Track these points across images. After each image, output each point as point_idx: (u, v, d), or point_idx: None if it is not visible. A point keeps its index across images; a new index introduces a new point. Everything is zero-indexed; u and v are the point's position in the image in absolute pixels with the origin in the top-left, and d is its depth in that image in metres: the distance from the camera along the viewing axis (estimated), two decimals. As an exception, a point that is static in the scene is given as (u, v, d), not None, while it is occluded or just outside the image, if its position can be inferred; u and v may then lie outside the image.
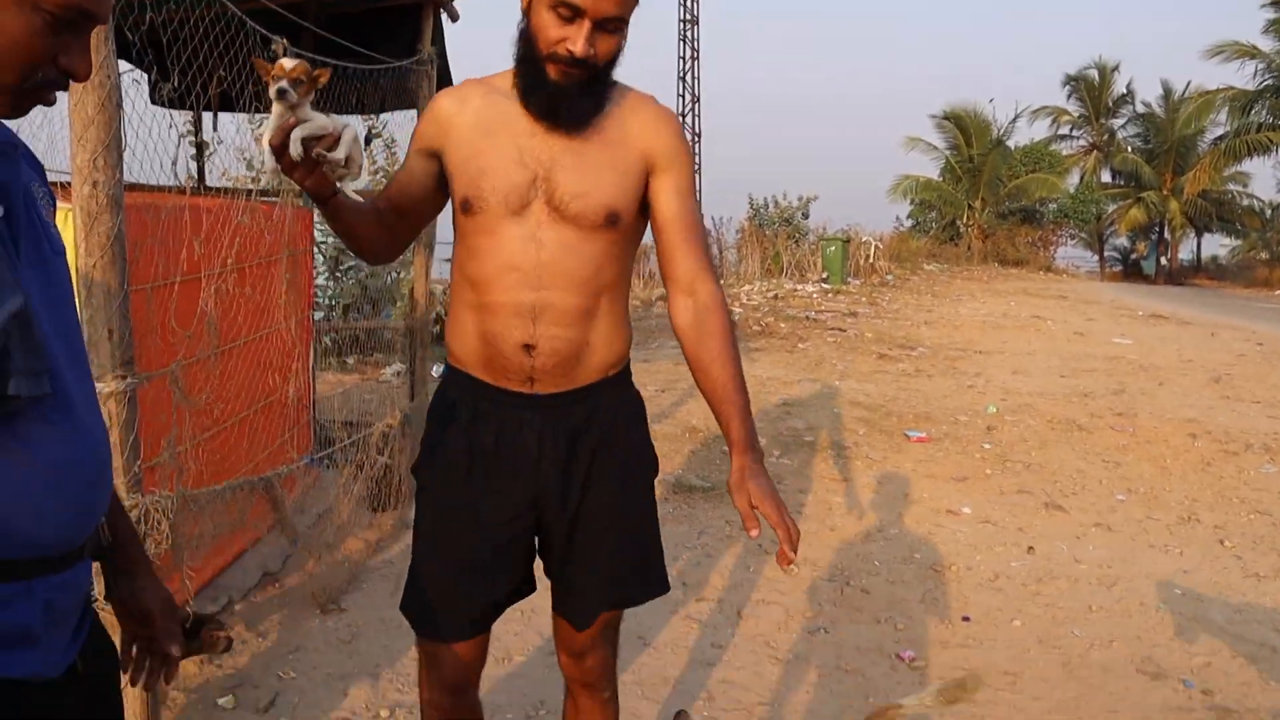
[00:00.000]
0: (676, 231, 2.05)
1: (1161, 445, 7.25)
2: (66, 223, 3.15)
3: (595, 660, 2.24)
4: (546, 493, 2.08)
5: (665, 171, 2.04)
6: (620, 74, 2.02)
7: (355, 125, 2.03)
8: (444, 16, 5.42)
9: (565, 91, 1.90)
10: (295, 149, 1.76)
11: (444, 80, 5.56)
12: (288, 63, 1.81)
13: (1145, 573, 4.89)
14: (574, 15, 1.84)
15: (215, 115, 6.17)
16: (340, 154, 1.85)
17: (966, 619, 4.29)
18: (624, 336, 2.15)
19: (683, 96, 27.60)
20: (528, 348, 1.99)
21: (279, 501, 3.77)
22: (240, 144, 8.64)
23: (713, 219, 21.20)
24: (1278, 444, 7.33)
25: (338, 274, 11.80)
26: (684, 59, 28.01)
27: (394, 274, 12.27)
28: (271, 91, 1.79)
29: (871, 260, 19.92)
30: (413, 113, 5.47)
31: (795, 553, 1.84)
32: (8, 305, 1.02)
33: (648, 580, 2.26)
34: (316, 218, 5.56)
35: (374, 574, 4.49)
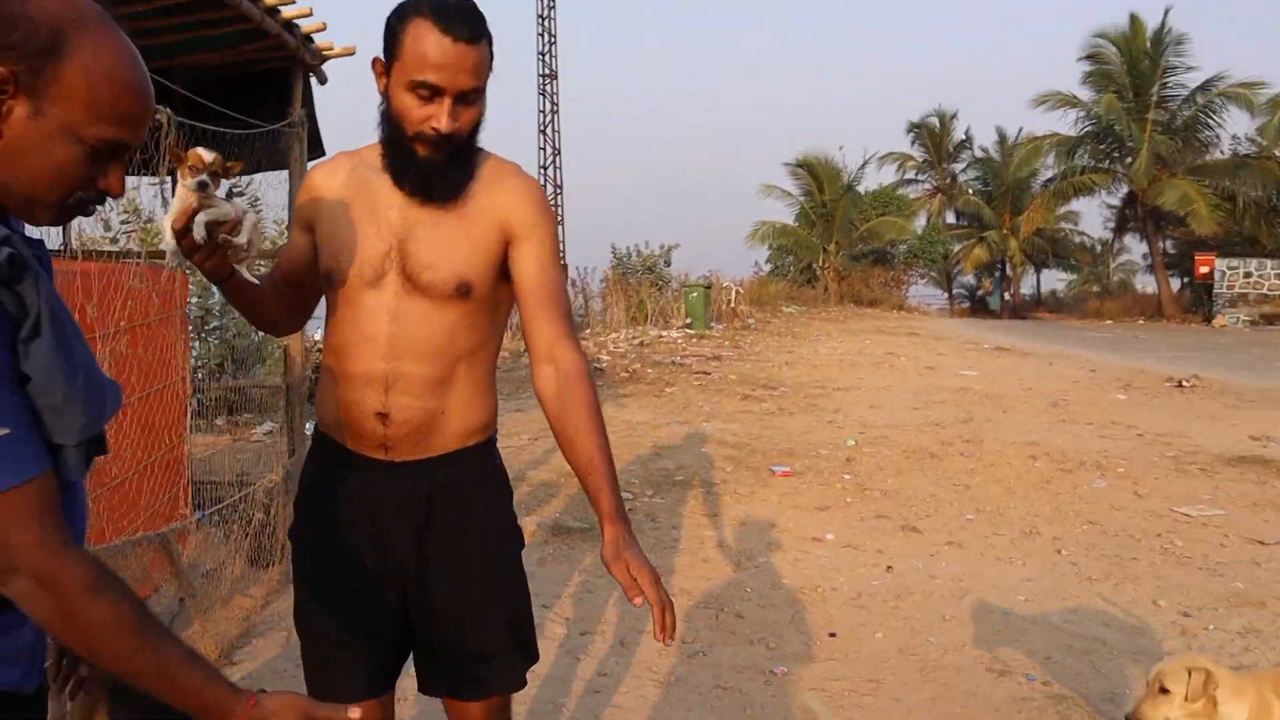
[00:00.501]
0: (536, 300, 2.05)
1: (1005, 468, 7.83)
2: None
3: None
4: (404, 564, 2.07)
5: (524, 240, 2.04)
6: (483, 130, 2.06)
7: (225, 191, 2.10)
8: (313, 80, 5.58)
9: (435, 166, 1.96)
10: (199, 233, 1.84)
11: (314, 141, 5.71)
12: (206, 155, 1.87)
13: (992, 584, 5.32)
14: (434, 94, 1.88)
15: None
16: (242, 239, 1.92)
17: (833, 635, 4.61)
18: (484, 405, 2.13)
19: (544, 149, 28.06)
20: (381, 416, 2.00)
21: (175, 557, 3.82)
22: (107, 207, 8.54)
23: (577, 269, 21.59)
24: (1107, 461, 8.00)
25: (203, 334, 11.64)
26: (544, 112, 28.53)
27: (259, 334, 12.15)
28: (190, 184, 1.84)
29: (733, 305, 20.58)
30: (284, 174, 5.59)
31: (671, 631, 1.79)
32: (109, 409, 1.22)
33: (512, 668, 2.20)
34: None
35: (264, 627, 4.55)
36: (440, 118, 1.89)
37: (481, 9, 1.98)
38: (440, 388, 2.02)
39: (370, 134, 2.09)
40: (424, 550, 2.07)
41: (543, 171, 27.44)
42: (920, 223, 37.43)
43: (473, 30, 1.90)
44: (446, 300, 1.99)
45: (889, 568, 5.53)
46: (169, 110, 3.57)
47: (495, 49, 1.99)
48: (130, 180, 2.22)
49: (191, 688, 1.28)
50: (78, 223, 8.67)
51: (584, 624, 4.68)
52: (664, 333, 17.59)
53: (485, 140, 2.07)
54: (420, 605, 2.10)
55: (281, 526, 5.37)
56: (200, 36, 4.83)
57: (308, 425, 8.25)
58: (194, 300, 11.46)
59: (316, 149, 5.81)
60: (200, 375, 10.99)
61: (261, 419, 10.14)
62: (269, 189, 6.25)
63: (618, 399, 11.06)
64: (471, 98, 1.94)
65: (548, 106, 28.56)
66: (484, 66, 1.95)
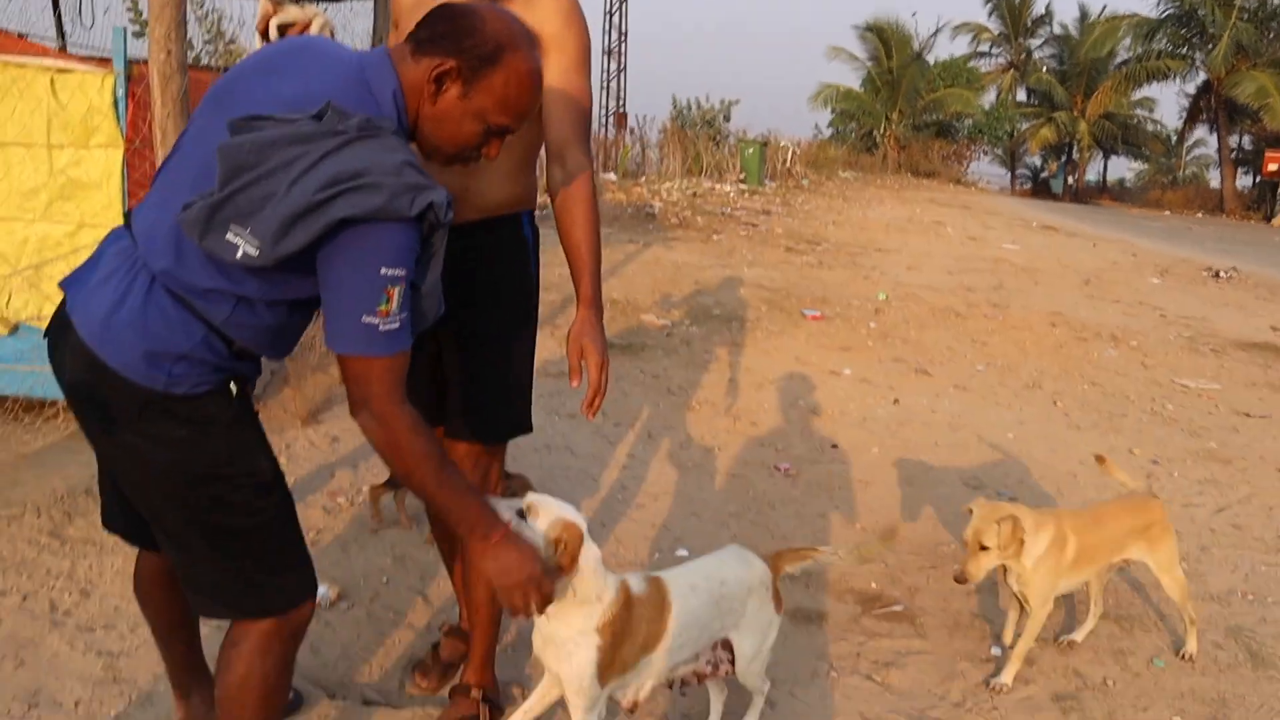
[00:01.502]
0: (556, 105, 2.26)
1: (1025, 331, 8.33)
2: (104, 86, 3.82)
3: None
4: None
5: (551, 50, 2.22)
6: None
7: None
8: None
9: None
10: (274, 34, 2.28)
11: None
12: None
13: (987, 422, 5.91)
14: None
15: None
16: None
17: (835, 446, 5.25)
18: (515, 186, 2.42)
19: None
20: None
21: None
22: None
23: (636, 117, 21.81)
24: (1123, 335, 8.47)
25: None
26: None
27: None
28: None
29: (788, 165, 20.77)
30: (370, 3, 6.06)
31: (594, 411, 2.16)
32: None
33: (498, 422, 2.56)
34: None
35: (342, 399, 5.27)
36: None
37: None
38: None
39: None
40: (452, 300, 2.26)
41: (608, 17, 27.17)
42: (989, 98, 36.71)
43: None
44: None
45: (896, 400, 6.13)
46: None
47: None
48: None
49: (469, 510, 1.88)
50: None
51: (616, 418, 5.35)
52: (717, 186, 17.92)
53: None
54: (447, 353, 2.48)
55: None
56: None
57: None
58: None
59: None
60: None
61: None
62: (355, 17, 6.76)
63: (667, 242, 11.58)
64: None
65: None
66: None
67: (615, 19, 27.24)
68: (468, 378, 2.50)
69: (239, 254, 1.67)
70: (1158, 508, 3.40)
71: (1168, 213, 29.71)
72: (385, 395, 1.76)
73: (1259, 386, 7.32)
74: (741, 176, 18.78)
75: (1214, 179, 40.84)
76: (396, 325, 1.73)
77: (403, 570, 3.53)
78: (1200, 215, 29.83)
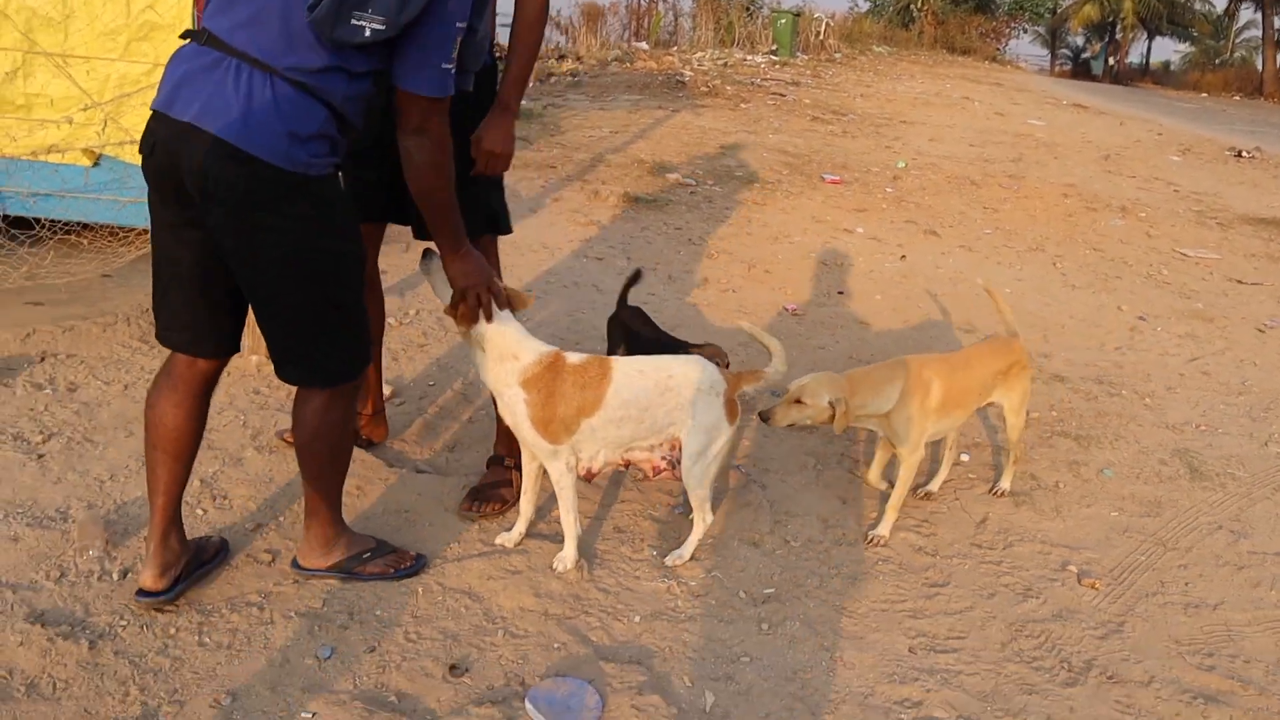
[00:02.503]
0: None
1: (1036, 200, 8.62)
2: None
3: None
4: None
5: None
6: None
7: None
8: None
9: None
10: None
11: None
12: None
13: (986, 276, 6.30)
14: None
15: None
16: None
17: (841, 293, 5.68)
18: None
19: None
20: None
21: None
22: None
23: (671, -15, 21.55)
24: (1134, 207, 8.74)
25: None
26: None
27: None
28: None
29: (821, 37, 20.58)
30: None
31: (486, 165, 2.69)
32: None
33: None
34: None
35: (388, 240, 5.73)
36: None
37: None
38: None
39: None
40: None
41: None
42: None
43: None
44: None
45: (903, 256, 6.52)
46: None
47: None
48: None
49: (457, 225, 2.35)
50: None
51: (640, 261, 5.78)
52: (749, 57, 17.89)
53: None
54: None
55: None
56: None
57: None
58: None
59: None
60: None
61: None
62: None
63: (695, 109, 11.80)
64: None
65: None
66: None
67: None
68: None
69: (367, 34, 2.02)
70: (1018, 348, 3.44)
71: (1204, 95, 29.18)
72: (441, 125, 2.21)
73: (1257, 258, 7.63)
74: (773, 48, 18.70)
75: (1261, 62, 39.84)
76: (454, 68, 2.15)
77: (446, 376, 4.03)
78: (1238, 98, 29.31)
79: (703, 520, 2.88)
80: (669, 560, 2.87)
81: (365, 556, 2.57)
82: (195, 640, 2.27)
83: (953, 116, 13.56)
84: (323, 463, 2.46)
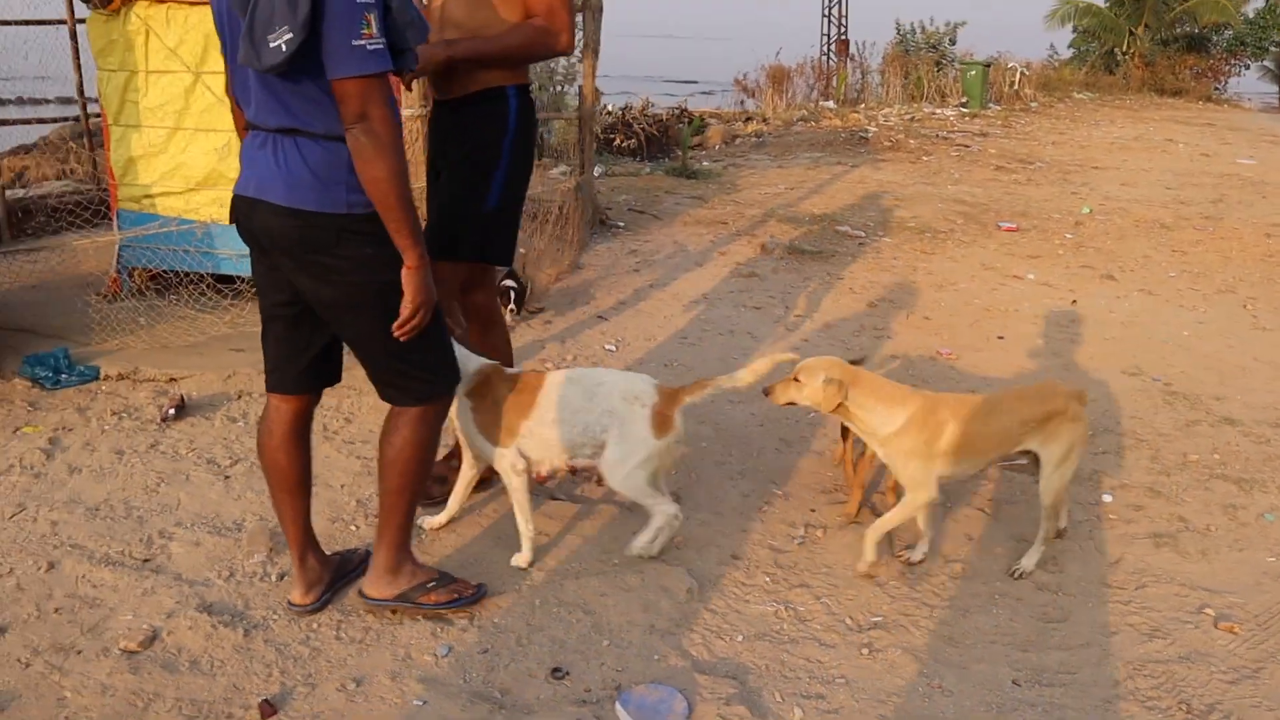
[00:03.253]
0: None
1: (1234, 241, 8.18)
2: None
3: None
4: (435, 168, 3.36)
5: None
6: None
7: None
8: None
9: None
10: None
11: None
12: None
13: (1164, 321, 6.06)
14: None
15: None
16: None
17: (1001, 338, 5.61)
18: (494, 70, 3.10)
19: None
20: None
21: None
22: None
23: (857, 44, 21.65)
24: (1350, 246, 8.14)
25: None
26: None
27: (559, 87, 13.71)
28: None
29: (1016, 86, 20.12)
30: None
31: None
32: None
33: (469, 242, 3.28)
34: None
35: (559, 295, 6.10)
36: None
37: None
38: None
39: None
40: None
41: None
42: (1255, 3, 33.55)
43: None
44: None
45: (1073, 301, 6.36)
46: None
47: None
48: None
49: (414, 225, 2.34)
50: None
51: (797, 311, 5.92)
52: (937, 110, 17.72)
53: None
54: None
55: (573, 226, 6.88)
56: None
57: (597, 169, 9.76)
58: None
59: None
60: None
61: (557, 163, 11.70)
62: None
63: (875, 163, 11.85)
64: None
65: None
66: None
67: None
68: (446, 201, 3.27)
69: (284, 47, 2.12)
70: (1063, 399, 3.11)
71: None
72: (381, 109, 2.22)
73: None
74: (963, 100, 18.45)
75: None
76: (381, 46, 2.20)
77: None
78: None
79: (661, 512, 2.98)
80: (633, 549, 3.01)
81: (429, 586, 2.71)
82: (333, 635, 2.58)
83: (1151, 159, 12.99)
84: (402, 482, 2.60)
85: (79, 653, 2.54)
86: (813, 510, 3.50)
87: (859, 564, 3.07)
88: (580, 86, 7.50)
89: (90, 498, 3.38)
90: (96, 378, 4.38)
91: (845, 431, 3.52)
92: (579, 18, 7.38)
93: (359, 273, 2.37)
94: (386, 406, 2.63)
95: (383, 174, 2.24)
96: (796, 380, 3.01)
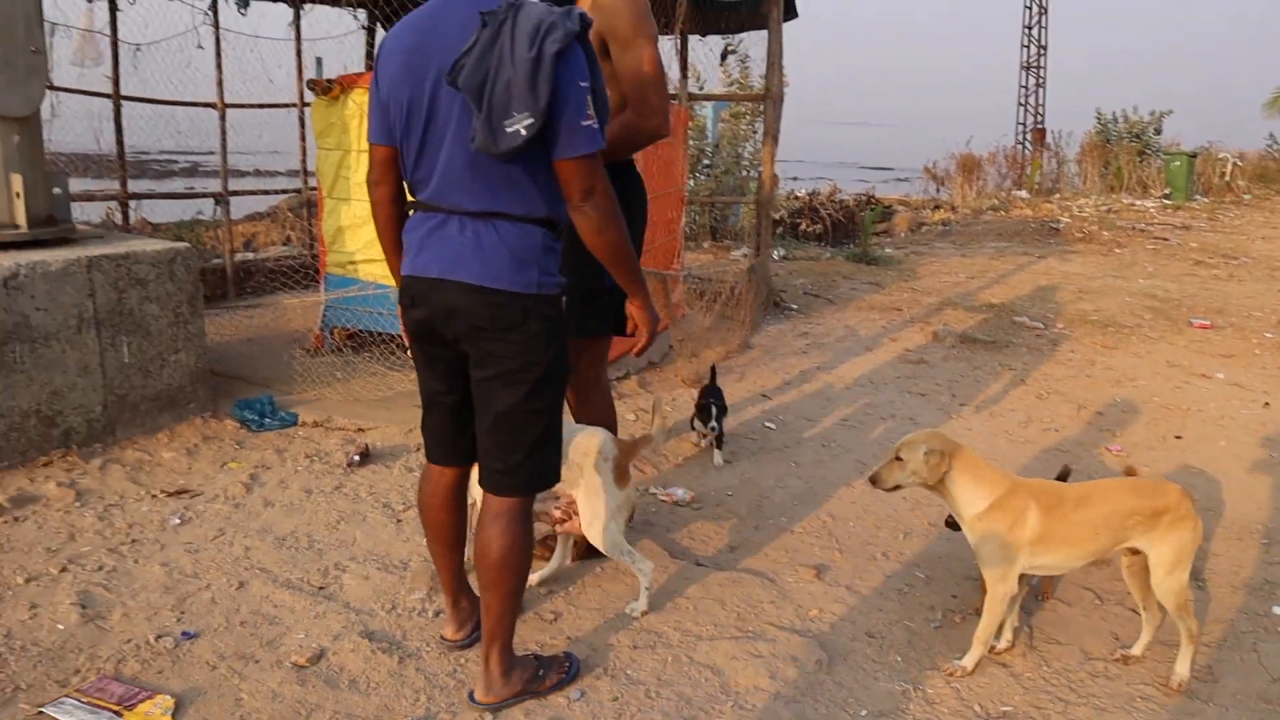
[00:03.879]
0: (622, 76, 3.13)
1: None
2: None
3: None
4: None
5: (612, 42, 3.09)
6: None
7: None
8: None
9: None
10: None
11: (789, 5, 7.09)
12: None
13: (1370, 430, 5.67)
14: None
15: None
16: None
17: (1178, 437, 5.40)
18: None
19: (1029, 7, 26.79)
20: None
21: (667, 291, 5.61)
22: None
23: (1053, 133, 21.18)
24: None
25: (696, 171, 13.71)
26: None
27: (745, 172, 14.03)
28: None
29: (1227, 178, 19.19)
30: (763, 33, 7.07)
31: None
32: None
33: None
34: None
35: (725, 371, 6.27)
36: None
37: None
38: None
39: None
40: None
41: (1026, 31, 26.42)
42: None
43: None
44: None
45: (1266, 404, 6.03)
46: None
47: None
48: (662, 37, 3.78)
49: (639, 275, 2.57)
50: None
51: (963, 399, 5.88)
52: (1137, 202, 17.10)
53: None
54: None
55: (745, 306, 7.07)
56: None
57: (775, 251, 9.95)
58: (691, 141, 13.56)
59: (791, 12, 7.20)
60: (694, 204, 13.06)
61: (738, 245, 11.97)
62: (751, 47, 7.83)
63: (1063, 254, 11.57)
64: None
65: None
66: None
67: (1034, 32, 26.45)
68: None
69: (524, 131, 2.20)
70: (1175, 495, 2.94)
71: None
72: (605, 182, 2.38)
73: None
74: (1166, 192, 17.74)
75: None
76: (598, 124, 2.33)
77: (744, 488, 4.40)
78: None
79: (640, 571, 3.17)
80: (633, 609, 3.20)
81: (541, 674, 2.74)
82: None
83: (1378, 258, 12.13)
84: (514, 580, 2.59)
85: (256, 662, 2.84)
86: (954, 595, 3.49)
87: (958, 668, 2.99)
88: (759, 172, 7.74)
89: (279, 529, 3.75)
90: (295, 423, 4.85)
91: None
92: (760, 105, 7.65)
93: (531, 351, 2.45)
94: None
95: (616, 237, 2.44)
96: (899, 459, 2.96)
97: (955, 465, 2.91)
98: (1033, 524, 2.87)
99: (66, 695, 2.64)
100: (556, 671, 2.78)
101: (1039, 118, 24.83)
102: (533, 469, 2.56)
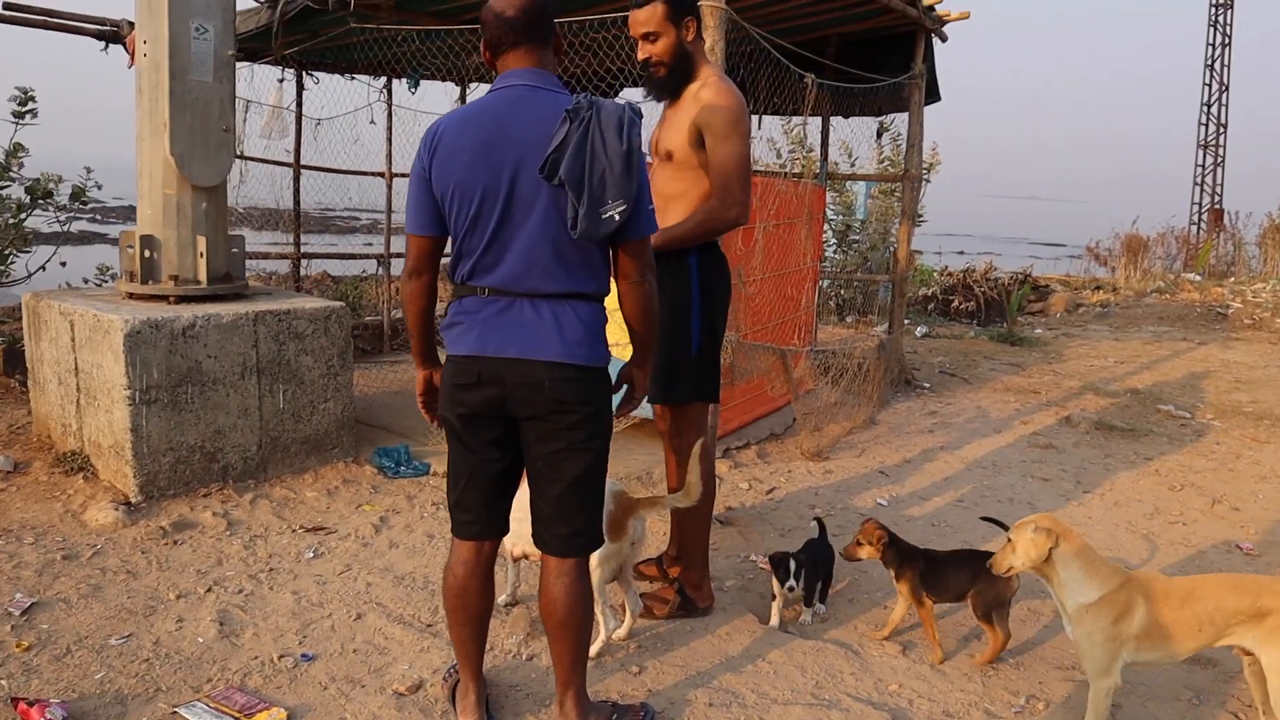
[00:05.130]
0: (711, 168, 3.45)
1: None
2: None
3: None
4: None
5: (707, 134, 3.41)
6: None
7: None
8: (935, 39, 7.07)
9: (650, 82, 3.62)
10: None
11: (932, 89, 7.22)
12: None
13: None
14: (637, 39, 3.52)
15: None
16: None
17: (1321, 539, 5.16)
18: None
19: (1209, 85, 25.79)
20: None
21: (788, 368, 5.76)
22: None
23: (1230, 214, 20.23)
24: None
25: (844, 246, 13.80)
26: (1212, 45, 26.13)
27: (892, 249, 14.03)
28: None
29: None
30: (905, 115, 7.21)
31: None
32: None
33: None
34: (829, 195, 7.52)
35: (846, 447, 6.35)
36: (639, 53, 3.53)
37: None
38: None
39: (954, 73, 3.58)
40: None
41: (1206, 109, 25.46)
42: None
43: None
44: (661, 161, 3.63)
45: None
46: (813, 75, 5.35)
47: None
48: (797, 119, 4.05)
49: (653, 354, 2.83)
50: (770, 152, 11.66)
51: (1087, 486, 5.76)
52: (1324, 289, 16.15)
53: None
54: None
55: (874, 384, 7.12)
56: (849, 15, 6.61)
57: (918, 328, 9.93)
58: (839, 216, 13.69)
59: (933, 95, 7.33)
60: (828, 271, 13.13)
61: (882, 320, 11.96)
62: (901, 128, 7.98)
63: (1226, 342, 11.08)
64: (651, 36, 3.48)
65: (1217, 39, 26.15)
66: (655, 17, 3.45)
67: (1214, 110, 25.46)
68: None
69: (617, 217, 2.43)
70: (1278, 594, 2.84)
71: None
72: (653, 261, 2.62)
73: None
74: (1355, 280, 16.68)
75: None
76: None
77: (841, 561, 4.47)
78: None
79: (604, 624, 3.33)
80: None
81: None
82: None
83: None
84: (583, 629, 2.72)
85: (362, 686, 3.12)
86: (1041, 683, 3.47)
87: None
88: (895, 250, 7.83)
89: (400, 569, 4.07)
90: (427, 473, 5.21)
91: None
92: (899, 186, 7.75)
93: (600, 418, 2.63)
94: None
95: (656, 308, 2.68)
96: (1010, 541, 3.03)
97: (1066, 551, 2.91)
98: (1140, 619, 2.86)
99: (198, 699, 2.98)
100: (631, 719, 2.94)
101: (1216, 198, 23.78)
102: (595, 527, 2.73)
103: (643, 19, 3.49)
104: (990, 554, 3.21)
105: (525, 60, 2.61)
